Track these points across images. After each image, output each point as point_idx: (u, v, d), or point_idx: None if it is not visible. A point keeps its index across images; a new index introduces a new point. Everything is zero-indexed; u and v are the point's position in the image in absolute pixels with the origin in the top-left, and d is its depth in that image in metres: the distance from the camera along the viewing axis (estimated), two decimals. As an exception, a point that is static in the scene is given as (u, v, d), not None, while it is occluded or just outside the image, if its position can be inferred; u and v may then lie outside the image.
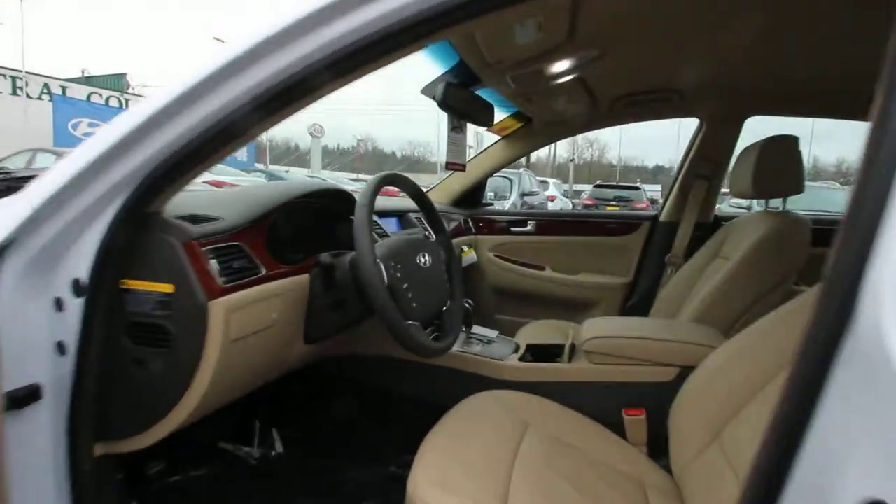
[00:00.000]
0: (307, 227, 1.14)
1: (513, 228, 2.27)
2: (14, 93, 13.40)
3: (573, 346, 1.29)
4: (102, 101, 14.82)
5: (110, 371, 0.74)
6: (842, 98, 1.57)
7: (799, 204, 1.80)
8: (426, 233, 1.70)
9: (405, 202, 1.71)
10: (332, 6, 0.58)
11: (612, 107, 1.78)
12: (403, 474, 0.83)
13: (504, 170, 2.97)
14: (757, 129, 1.69)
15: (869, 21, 1.08)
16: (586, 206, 9.90)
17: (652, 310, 1.87)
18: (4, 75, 13.25)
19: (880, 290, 0.34)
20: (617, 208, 9.31)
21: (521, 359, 1.32)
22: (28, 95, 13.42)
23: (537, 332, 1.83)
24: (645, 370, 1.19)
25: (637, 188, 10.65)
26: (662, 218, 1.99)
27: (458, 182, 2.20)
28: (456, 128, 1.41)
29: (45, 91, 13.77)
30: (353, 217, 0.92)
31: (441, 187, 2.24)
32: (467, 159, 1.74)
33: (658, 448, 1.11)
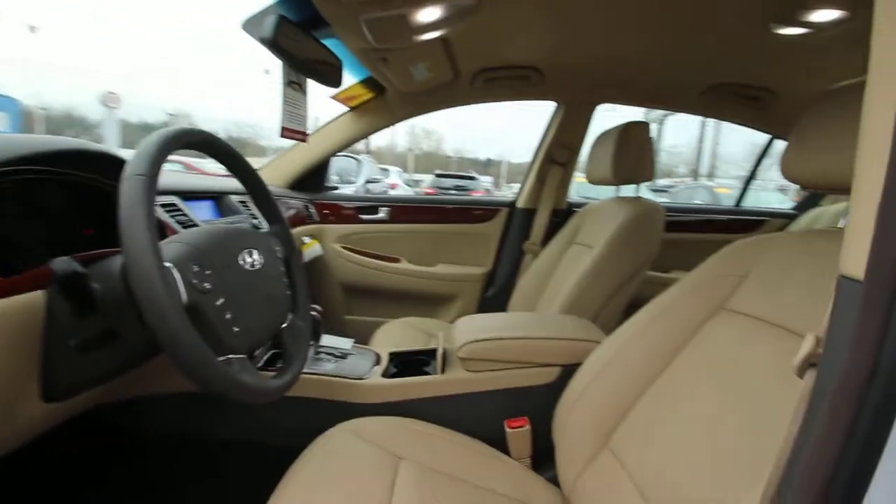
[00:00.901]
0: (45, 212, 0.71)
1: (362, 216, 1.99)
2: None
3: (445, 353, 1.10)
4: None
5: None
6: (683, 92, 1.69)
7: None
8: (254, 221, 1.32)
9: (226, 182, 1.30)
10: None
11: (473, 81, 1.63)
12: None
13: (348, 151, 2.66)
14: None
15: (708, 21, 1.15)
16: (427, 196, 10.05)
17: (511, 299, 1.82)
18: None
19: None
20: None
21: (385, 373, 1.07)
22: None
23: (397, 334, 1.61)
24: (526, 373, 1.06)
25: (474, 178, 11.20)
26: (519, 204, 1.94)
27: (297, 160, 1.83)
28: (293, 83, 1.08)
29: None
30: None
31: (274, 166, 1.84)
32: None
33: (544, 459, 1.02)
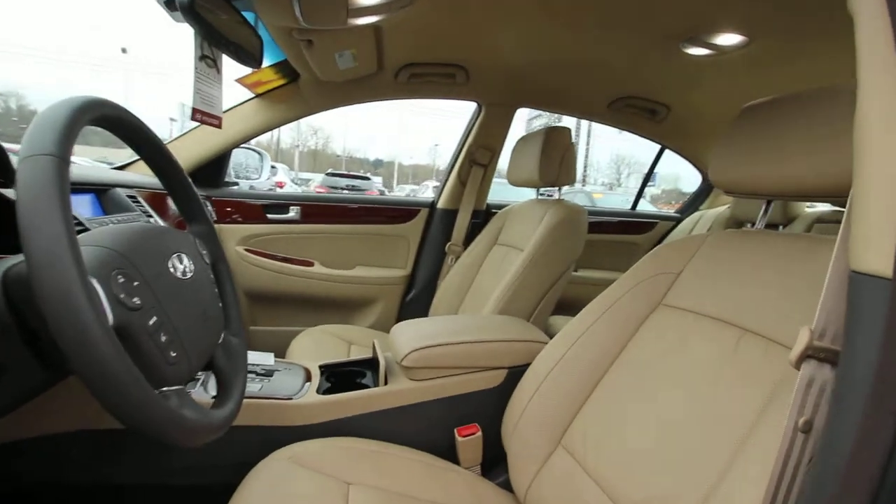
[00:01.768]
0: None
1: (270, 215, 1.80)
2: None
3: (382, 362, 1.02)
4: None
5: None
6: (593, 102, 1.80)
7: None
8: (149, 220, 1.11)
9: (109, 173, 1.07)
10: None
11: (397, 75, 1.56)
12: None
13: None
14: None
15: (625, 37, 1.25)
16: (341, 195, 9.61)
17: (434, 301, 1.78)
18: None
19: None
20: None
21: (319, 389, 0.97)
22: None
23: (316, 344, 1.48)
24: (473, 378, 1.03)
25: (367, 178, 11.02)
26: (440, 205, 1.91)
27: (191, 150, 1.59)
28: (207, 58, 0.91)
29: None
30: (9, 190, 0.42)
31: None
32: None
33: (494, 464, 1.01)
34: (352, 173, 11.79)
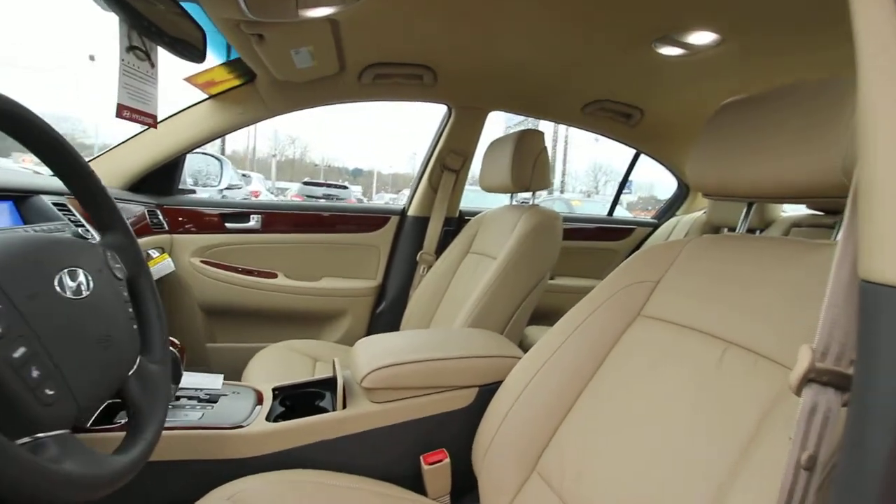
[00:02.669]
0: None
1: (229, 224, 1.69)
2: None
3: (340, 382, 0.93)
4: None
5: None
6: (567, 105, 1.75)
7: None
8: (80, 230, 0.99)
9: (32, 178, 0.96)
10: None
11: (361, 76, 1.48)
12: None
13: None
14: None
15: (596, 38, 1.20)
16: (307, 202, 9.51)
17: (406, 312, 1.69)
18: None
19: None
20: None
21: (271, 415, 0.87)
22: None
23: (277, 362, 1.37)
24: (441, 398, 0.94)
25: (345, 187, 10.90)
26: (411, 212, 1.83)
27: (139, 154, 1.47)
28: (136, 48, 0.82)
29: None
30: None
31: (106, 160, 1.46)
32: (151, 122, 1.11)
33: (465, 492, 0.93)
34: (329, 182, 11.65)
